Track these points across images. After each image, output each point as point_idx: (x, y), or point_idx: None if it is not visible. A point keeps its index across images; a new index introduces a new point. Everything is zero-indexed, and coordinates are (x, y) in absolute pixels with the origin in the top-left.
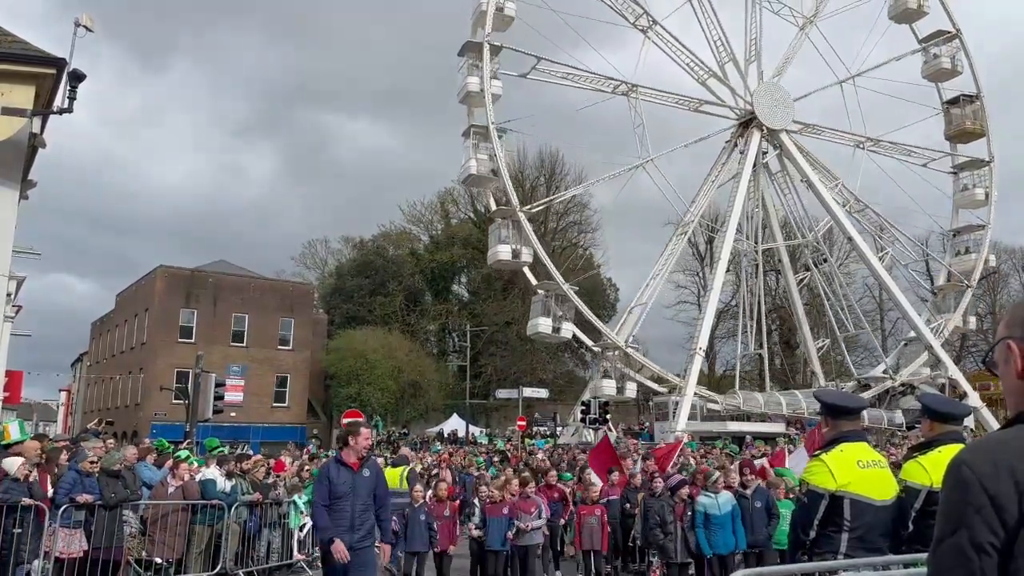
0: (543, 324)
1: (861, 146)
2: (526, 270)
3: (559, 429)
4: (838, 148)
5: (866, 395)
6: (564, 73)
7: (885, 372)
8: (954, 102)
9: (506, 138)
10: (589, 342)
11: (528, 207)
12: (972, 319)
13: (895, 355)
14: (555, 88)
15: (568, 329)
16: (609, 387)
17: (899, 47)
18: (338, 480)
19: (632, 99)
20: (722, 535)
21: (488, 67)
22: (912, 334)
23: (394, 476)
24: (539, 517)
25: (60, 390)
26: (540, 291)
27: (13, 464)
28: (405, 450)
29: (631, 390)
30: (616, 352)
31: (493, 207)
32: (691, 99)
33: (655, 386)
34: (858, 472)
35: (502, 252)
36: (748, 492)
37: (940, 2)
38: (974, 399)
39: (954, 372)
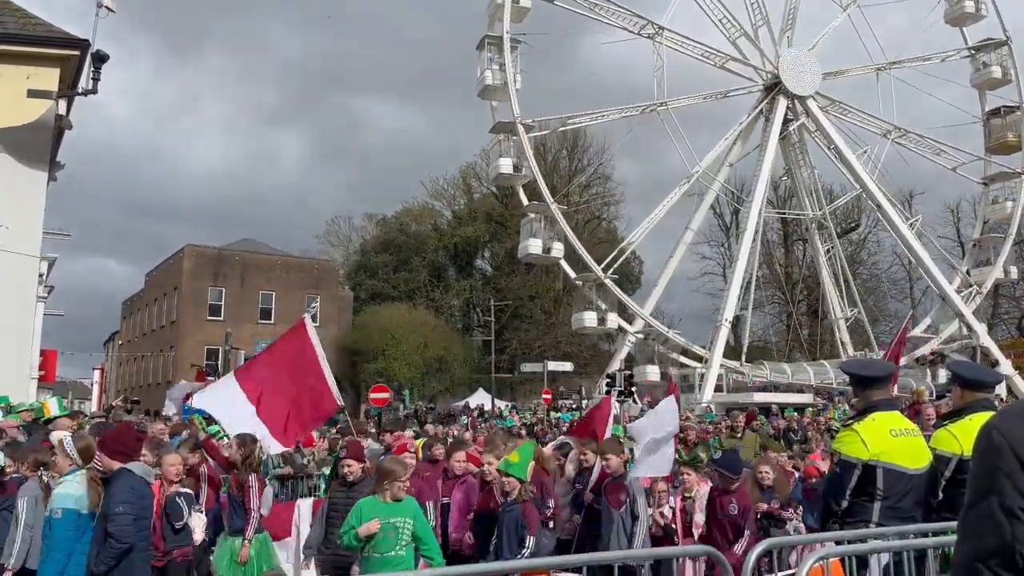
0: (533, 245)
1: (888, 135)
2: (520, 191)
3: (584, 402)
4: (862, 133)
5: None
6: (591, 3)
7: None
8: (995, 113)
9: (520, 50)
10: (572, 273)
11: (530, 120)
12: (983, 326)
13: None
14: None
15: (559, 249)
16: (590, 319)
17: (941, 41)
18: None
19: (657, 43)
20: None
21: None
22: (917, 331)
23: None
24: None
25: (94, 368)
26: (530, 212)
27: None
28: (428, 427)
29: (612, 321)
30: (595, 285)
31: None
32: (718, 52)
33: (624, 323)
34: (891, 441)
35: (504, 165)
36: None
37: (994, 8)
38: (1006, 367)
39: (985, 340)
